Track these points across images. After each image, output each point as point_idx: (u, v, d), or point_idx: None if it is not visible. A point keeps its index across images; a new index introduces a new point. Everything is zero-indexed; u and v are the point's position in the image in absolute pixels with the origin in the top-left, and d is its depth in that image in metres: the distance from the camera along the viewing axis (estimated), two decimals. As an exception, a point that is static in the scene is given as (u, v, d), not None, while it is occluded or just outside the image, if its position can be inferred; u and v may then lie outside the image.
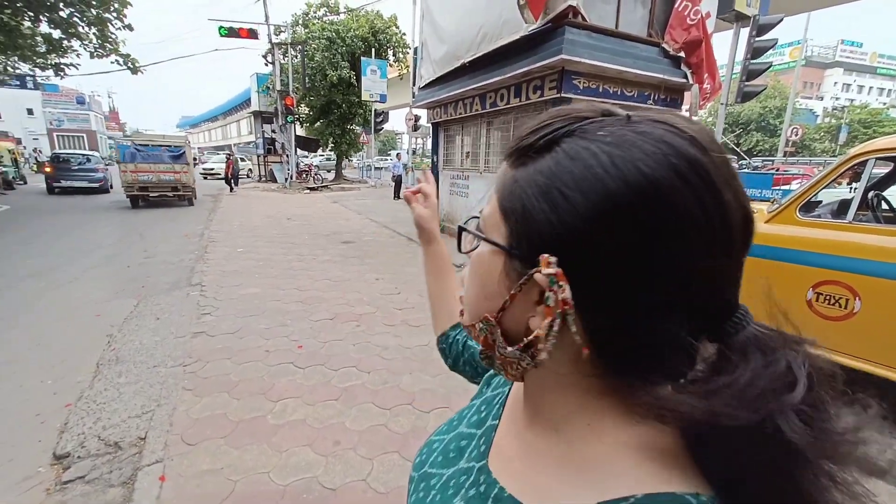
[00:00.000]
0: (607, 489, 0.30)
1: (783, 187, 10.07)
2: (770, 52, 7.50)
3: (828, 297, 2.57)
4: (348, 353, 3.37)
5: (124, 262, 5.97)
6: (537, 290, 0.31)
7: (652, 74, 5.63)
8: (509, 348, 0.35)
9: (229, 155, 19.45)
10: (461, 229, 0.39)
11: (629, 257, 0.28)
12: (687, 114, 6.44)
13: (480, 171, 7.55)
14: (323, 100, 19.92)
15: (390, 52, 21.01)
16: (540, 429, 0.37)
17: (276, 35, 18.58)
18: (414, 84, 13.79)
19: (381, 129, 22.00)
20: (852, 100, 48.97)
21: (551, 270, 0.29)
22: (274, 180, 21.56)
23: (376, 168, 24.29)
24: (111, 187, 15.13)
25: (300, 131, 24.68)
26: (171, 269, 5.64)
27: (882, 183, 3.28)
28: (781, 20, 7.25)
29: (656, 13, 5.99)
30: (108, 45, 12.79)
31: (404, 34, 21.25)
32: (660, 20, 6.02)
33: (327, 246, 7.33)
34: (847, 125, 29.81)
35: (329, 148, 23.31)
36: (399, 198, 15.49)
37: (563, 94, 5.38)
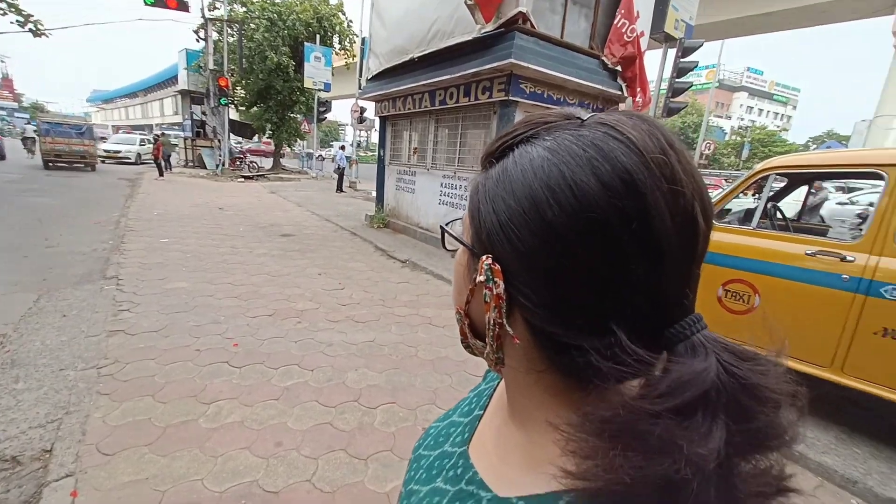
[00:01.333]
0: (553, 484, 0.31)
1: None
2: (691, 72, 8.28)
3: (734, 294, 2.91)
4: (290, 351, 3.23)
5: (20, 251, 5.22)
6: (478, 283, 0.33)
7: (592, 85, 5.97)
8: (477, 340, 0.38)
9: (158, 136, 17.70)
10: (442, 229, 0.41)
11: (551, 260, 0.28)
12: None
13: (427, 168, 7.56)
14: (261, 83, 18.78)
15: (336, 40, 20.32)
16: (515, 424, 0.39)
17: (211, 10, 17.21)
18: (361, 75, 13.45)
19: (324, 119, 21.20)
20: (753, 121, 55.43)
21: (488, 268, 0.31)
22: (203, 166, 19.98)
23: (318, 157, 23.36)
24: (5, 156, 16.54)
25: (234, 115, 23.10)
26: (80, 261, 5.03)
27: (778, 195, 3.77)
28: (702, 44, 8.02)
29: (598, 27, 6.36)
30: (5, 2, 11.03)
31: (351, 22, 20.65)
32: (600, 34, 6.40)
33: (265, 239, 6.95)
34: (749, 143, 33.74)
35: (267, 135, 22.05)
36: (342, 191, 15.05)
37: (510, 97, 5.54)
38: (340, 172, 15.24)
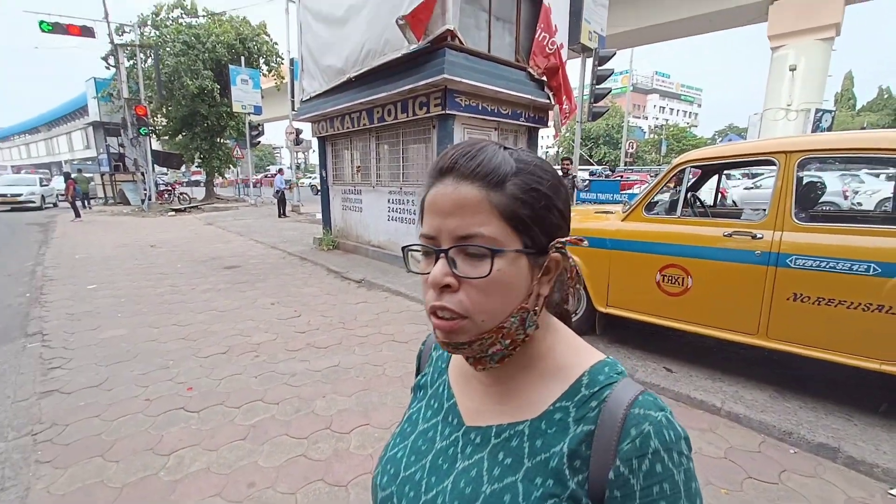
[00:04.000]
0: (571, 378, 0.46)
1: (628, 191, 12.07)
2: (609, 79, 9.00)
3: (670, 278, 3.20)
4: (250, 387, 3.09)
5: (-88, 317, 4.56)
6: (549, 266, 0.45)
7: (523, 95, 6.31)
8: (531, 323, 0.46)
9: (68, 173, 16.18)
10: (493, 252, 0.42)
11: (566, 220, 0.47)
12: (553, 129, 7.31)
13: (373, 185, 7.55)
14: (185, 110, 17.81)
15: (262, 62, 19.78)
16: (508, 375, 0.48)
17: (120, 35, 16.12)
18: (293, 96, 13.18)
19: (257, 143, 20.45)
20: (667, 119, 60.71)
21: (563, 246, 0.46)
22: (126, 202, 18.50)
23: (255, 183, 22.41)
24: None
25: (157, 145, 21.69)
26: (-8, 319, 4.49)
27: (695, 185, 4.21)
28: (615, 54, 8.75)
29: (521, 41, 6.75)
30: None
31: (276, 43, 20.21)
32: (524, 47, 6.80)
33: (208, 273, 6.57)
34: (665, 140, 36.94)
35: (196, 164, 20.88)
36: (285, 216, 14.56)
37: (447, 111, 5.72)
38: (281, 197, 14.74)
